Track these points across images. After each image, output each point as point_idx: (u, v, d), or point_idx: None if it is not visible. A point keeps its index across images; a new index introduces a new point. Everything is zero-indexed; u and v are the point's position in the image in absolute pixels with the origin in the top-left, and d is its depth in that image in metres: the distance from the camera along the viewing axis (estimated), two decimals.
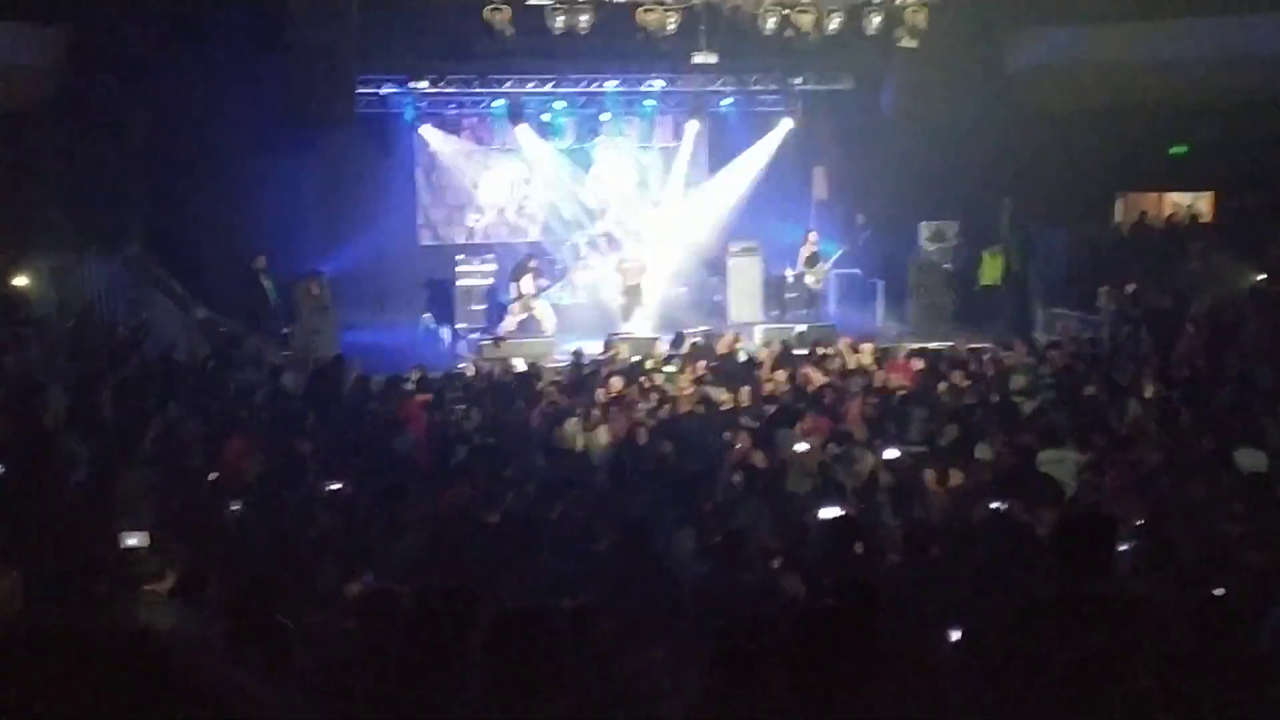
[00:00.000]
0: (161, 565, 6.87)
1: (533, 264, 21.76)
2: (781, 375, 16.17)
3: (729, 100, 24.22)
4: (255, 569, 7.51)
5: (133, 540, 7.80)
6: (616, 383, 15.44)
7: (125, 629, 0.99)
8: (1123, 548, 7.94)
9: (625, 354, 18.25)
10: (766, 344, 19.19)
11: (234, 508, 10.43)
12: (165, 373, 16.05)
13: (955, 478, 10.92)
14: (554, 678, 4.26)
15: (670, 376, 16.41)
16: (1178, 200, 24.12)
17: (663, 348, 18.73)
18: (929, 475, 11.08)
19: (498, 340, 20.21)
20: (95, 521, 9.16)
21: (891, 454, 11.93)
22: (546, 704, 4.16)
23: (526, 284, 21.49)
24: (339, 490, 10.89)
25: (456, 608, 5.00)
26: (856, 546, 8.07)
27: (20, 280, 18.02)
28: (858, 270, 24.09)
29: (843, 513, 9.20)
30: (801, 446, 12.40)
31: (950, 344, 18.49)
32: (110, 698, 0.91)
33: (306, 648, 6.08)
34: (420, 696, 4.65)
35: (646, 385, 15.61)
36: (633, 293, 21.86)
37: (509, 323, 21.42)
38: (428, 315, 22.78)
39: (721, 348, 18.19)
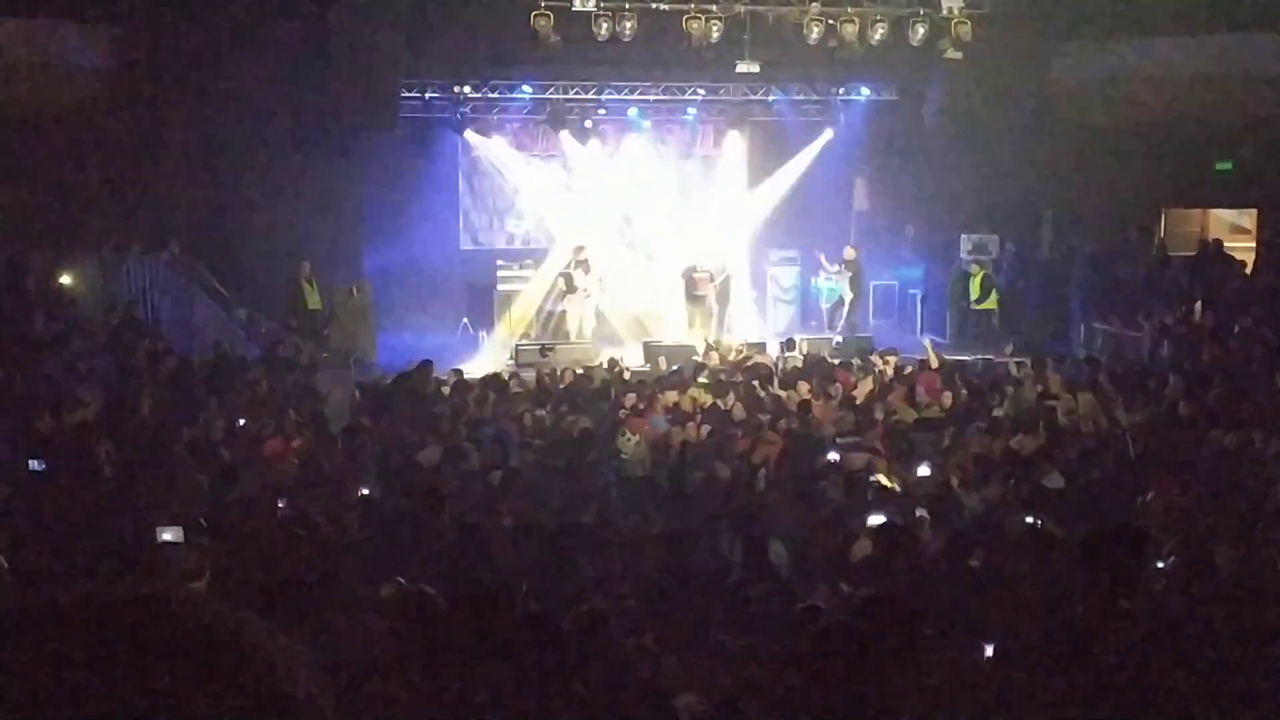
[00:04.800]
0: (199, 562, 6.92)
1: (583, 256, 21.89)
2: (804, 387, 16.11)
3: (771, 110, 24.16)
4: (290, 569, 7.55)
5: (168, 535, 7.87)
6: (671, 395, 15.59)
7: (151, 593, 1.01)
8: (1160, 565, 7.90)
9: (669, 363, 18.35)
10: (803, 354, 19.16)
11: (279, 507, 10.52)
12: (204, 372, 16.19)
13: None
14: (573, 677, 4.27)
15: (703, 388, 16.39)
16: (1220, 215, 23.87)
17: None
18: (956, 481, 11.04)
19: (545, 348, 20.25)
20: (132, 517, 9.24)
21: (924, 471, 11.84)
22: (567, 702, 4.17)
23: (580, 278, 21.70)
24: (370, 495, 10.93)
25: (486, 609, 5.02)
26: (902, 554, 8.03)
27: (65, 278, 18.20)
28: (895, 282, 24.03)
29: (889, 520, 9.13)
30: (834, 456, 12.39)
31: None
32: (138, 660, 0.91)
33: (339, 647, 6.10)
34: (450, 695, 4.66)
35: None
36: (696, 302, 21.81)
37: (570, 321, 21.61)
38: (466, 320, 22.87)
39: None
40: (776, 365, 18.23)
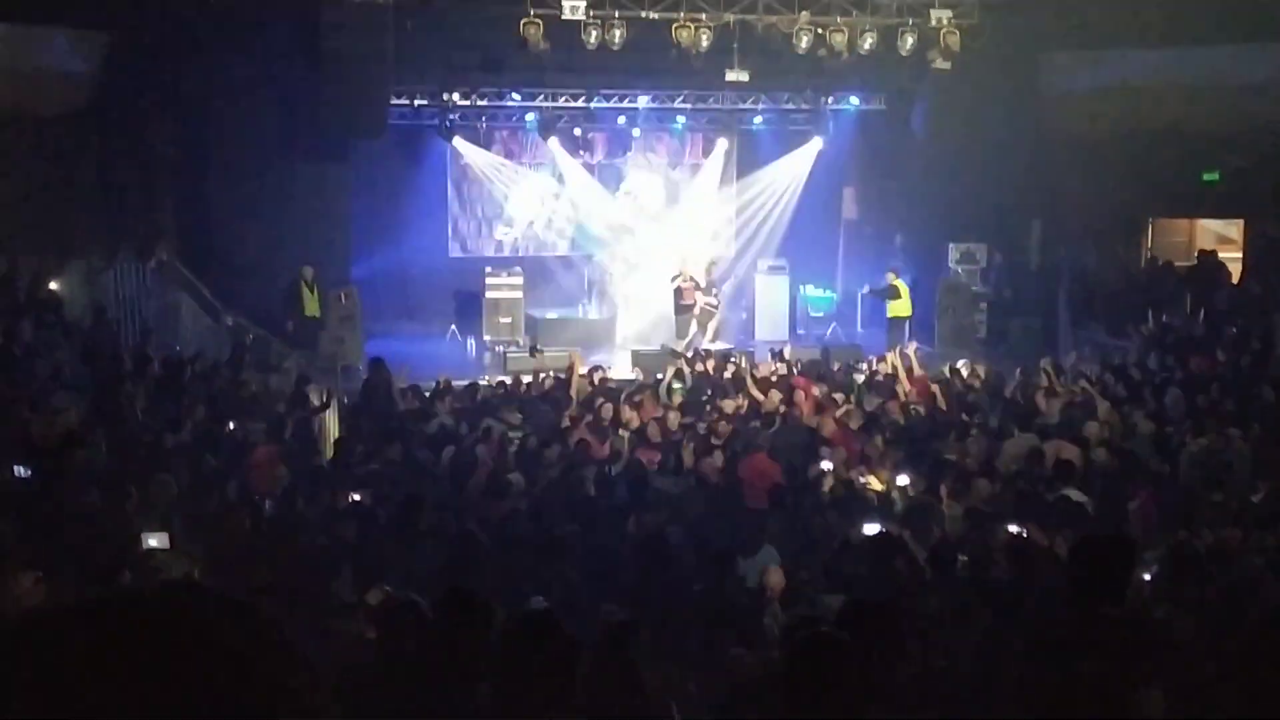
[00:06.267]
0: (187, 569, 6.92)
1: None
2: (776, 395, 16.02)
3: (760, 119, 24.21)
4: (277, 576, 7.54)
5: (153, 541, 7.86)
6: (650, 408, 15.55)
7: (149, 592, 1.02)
8: (1146, 576, 7.91)
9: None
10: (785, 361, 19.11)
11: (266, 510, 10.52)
12: (191, 377, 16.15)
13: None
14: (565, 686, 4.26)
15: (678, 392, 16.32)
16: (1207, 225, 23.97)
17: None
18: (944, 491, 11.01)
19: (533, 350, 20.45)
20: (118, 524, 9.21)
21: (903, 480, 11.82)
22: (557, 711, 4.17)
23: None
24: (359, 502, 10.91)
25: (472, 617, 5.01)
26: (898, 563, 8.05)
27: (53, 284, 18.17)
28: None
29: (884, 529, 9.12)
30: (826, 465, 12.37)
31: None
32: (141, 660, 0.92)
33: (326, 655, 6.10)
34: (436, 704, 4.66)
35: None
36: (684, 310, 21.71)
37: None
38: (454, 327, 22.85)
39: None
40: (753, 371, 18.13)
